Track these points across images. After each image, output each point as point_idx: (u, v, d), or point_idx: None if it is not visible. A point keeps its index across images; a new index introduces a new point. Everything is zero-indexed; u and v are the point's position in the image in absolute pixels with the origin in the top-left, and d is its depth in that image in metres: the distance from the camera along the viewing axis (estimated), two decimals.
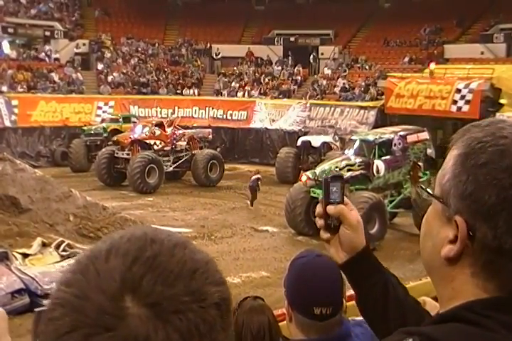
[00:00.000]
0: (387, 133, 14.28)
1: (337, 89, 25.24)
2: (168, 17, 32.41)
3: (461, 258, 0.84)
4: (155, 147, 18.62)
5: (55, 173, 17.49)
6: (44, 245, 8.91)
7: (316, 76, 27.42)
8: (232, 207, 15.85)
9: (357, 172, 13.03)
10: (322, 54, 29.05)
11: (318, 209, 1.30)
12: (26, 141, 22.10)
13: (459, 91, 19.08)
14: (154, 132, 18.82)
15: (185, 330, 0.60)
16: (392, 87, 21.14)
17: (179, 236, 0.66)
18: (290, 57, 28.96)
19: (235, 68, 28.81)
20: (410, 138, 13.99)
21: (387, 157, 13.52)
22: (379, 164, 13.28)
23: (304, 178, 13.06)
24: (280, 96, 25.66)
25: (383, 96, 22.07)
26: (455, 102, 19.12)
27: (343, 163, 13.15)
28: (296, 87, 26.80)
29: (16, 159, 12.23)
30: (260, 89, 26.64)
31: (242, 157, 23.39)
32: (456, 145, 0.87)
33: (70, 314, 0.60)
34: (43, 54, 27.43)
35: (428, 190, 0.93)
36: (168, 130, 19.18)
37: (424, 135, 14.47)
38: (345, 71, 26.88)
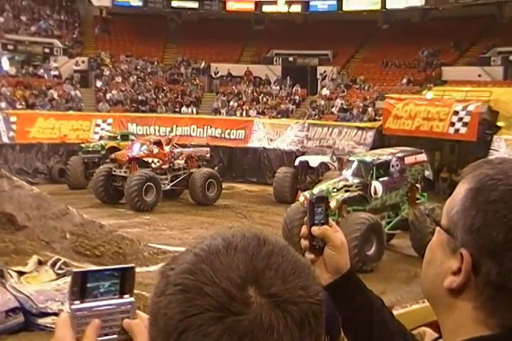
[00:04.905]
0: (385, 154, 14.30)
1: (335, 110, 25.39)
2: (168, 36, 32.71)
3: (463, 290, 0.84)
4: (153, 165, 18.57)
5: (52, 190, 17.39)
6: (40, 263, 8.81)
7: (314, 96, 27.61)
8: (230, 226, 15.76)
9: (354, 193, 12.99)
10: (321, 74, 29.29)
11: (303, 230, 1.31)
12: (24, 157, 22.05)
13: (456, 113, 19.19)
14: (152, 150, 18.79)
15: (300, 321, 0.67)
16: (390, 108, 21.26)
17: (283, 240, 0.74)
18: (288, 77, 29.18)
19: (234, 87, 28.99)
20: (408, 160, 13.99)
21: (385, 178, 13.50)
22: (377, 185, 13.25)
23: (301, 198, 13.04)
24: (278, 116, 25.79)
25: (381, 117, 22.19)
26: (453, 124, 19.22)
27: (341, 184, 13.14)
28: (294, 106, 26.95)
29: (13, 176, 12.16)
30: (258, 109, 26.77)
31: (239, 176, 23.37)
32: (467, 180, 0.88)
33: (198, 298, 0.66)
34: (42, 71, 27.57)
35: (432, 217, 0.93)
36: (166, 148, 19.16)
37: (422, 157, 14.48)
38: (343, 91, 27.08)
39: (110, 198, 18.08)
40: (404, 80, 26.71)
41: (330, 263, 1.29)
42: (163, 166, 18.86)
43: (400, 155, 14.03)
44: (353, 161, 14.15)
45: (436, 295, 0.88)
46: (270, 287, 0.67)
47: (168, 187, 18.83)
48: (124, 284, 0.87)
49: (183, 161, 19.31)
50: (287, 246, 0.73)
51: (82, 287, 0.84)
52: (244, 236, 0.72)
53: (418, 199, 14.03)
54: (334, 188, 12.92)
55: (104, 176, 18.00)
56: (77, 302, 0.84)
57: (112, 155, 18.79)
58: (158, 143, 19.11)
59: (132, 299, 0.87)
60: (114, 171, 18.16)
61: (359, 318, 1.28)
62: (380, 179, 13.44)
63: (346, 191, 12.91)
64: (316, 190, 12.95)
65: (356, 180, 13.29)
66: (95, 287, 0.85)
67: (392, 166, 13.57)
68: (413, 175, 14.01)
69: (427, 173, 14.52)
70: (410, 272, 11.50)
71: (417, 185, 14.14)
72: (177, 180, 19.08)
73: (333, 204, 12.23)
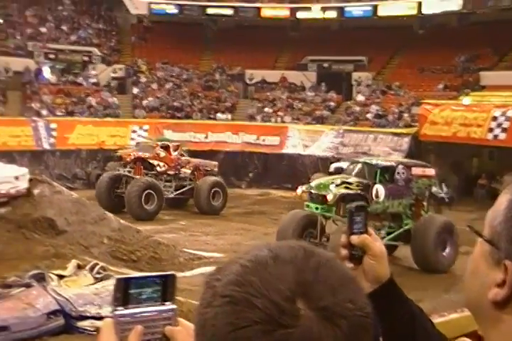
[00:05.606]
0: (392, 161, 13.90)
1: (370, 116, 25.21)
2: (203, 43, 33.00)
3: (509, 303, 0.82)
4: (158, 168, 18.07)
5: (90, 196, 17.64)
6: (79, 267, 8.99)
7: (349, 102, 27.48)
8: (265, 232, 15.77)
9: (355, 192, 12.31)
10: (355, 80, 29.16)
11: (343, 239, 1.30)
12: (63, 163, 22.53)
13: (495, 118, 18.83)
14: (159, 153, 18.33)
15: (349, 335, 0.66)
16: (426, 113, 21.02)
17: (328, 252, 0.73)
18: (323, 83, 29.12)
19: (269, 93, 29.06)
20: (415, 171, 13.17)
21: (389, 184, 12.76)
22: (379, 188, 12.38)
23: (299, 191, 12.70)
24: (313, 122, 25.73)
25: (417, 123, 21.95)
26: (491, 130, 18.86)
27: (341, 180, 12.57)
28: (329, 113, 26.86)
29: (53, 181, 12.44)
30: (293, 115, 26.77)
31: (274, 182, 23.37)
32: (509, 190, 0.87)
33: (247, 310, 0.65)
34: (81, 78, 28.17)
35: (473, 228, 0.92)
36: (174, 154, 18.61)
37: (431, 171, 13.59)
38: (378, 97, 26.88)
39: (113, 206, 17.15)
40: (441, 86, 26.35)
41: (370, 273, 1.28)
42: (169, 172, 18.31)
43: (407, 164, 13.43)
44: (358, 163, 13.66)
45: (480, 307, 0.86)
46: (319, 300, 0.66)
47: (172, 195, 18.31)
48: (165, 291, 0.87)
49: (189, 171, 18.70)
50: (334, 258, 0.73)
51: (125, 293, 0.85)
52: (291, 247, 0.71)
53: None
54: (333, 183, 12.40)
55: (106, 183, 17.52)
56: (121, 308, 0.85)
57: (118, 153, 18.42)
58: (166, 148, 18.66)
59: (174, 306, 0.87)
60: (118, 170, 17.84)
61: (401, 328, 1.26)
62: (384, 184, 12.68)
63: (346, 188, 12.33)
64: (313, 184, 12.59)
65: (358, 180, 12.68)
66: (138, 293, 0.85)
67: (398, 173, 12.85)
68: (419, 188, 13.11)
69: (434, 189, 13.58)
70: (447, 280, 11.31)
71: (424, 203, 13.28)
72: (182, 190, 18.53)
73: (329, 197, 11.86)
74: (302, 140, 23.81)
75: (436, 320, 3.05)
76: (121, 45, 32.17)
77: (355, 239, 1.28)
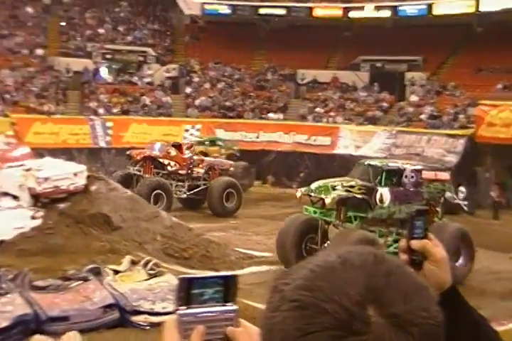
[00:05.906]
0: (399, 163, 12.95)
1: (424, 117, 24.75)
2: (256, 42, 33.13)
3: None
4: (169, 168, 17.35)
5: None
6: (133, 263, 9.17)
7: (402, 103, 27.05)
8: None
9: (356, 196, 11.52)
10: (409, 80, 28.66)
11: (402, 243, 1.29)
12: (118, 161, 23.06)
13: None
14: (170, 152, 17.54)
15: None
16: (483, 114, 20.48)
17: (398, 258, 0.73)
18: (376, 83, 28.76)
19: (320, 94, 28.92)
20: (426, 175, 12.13)
21: (396, 188, 11.81)
22: (384, 192, 11.59)
23: (298, 194, 12.17)
24: (365, 123, 25.45)
25: (473, 125, 21.41)
26: None
27: (343, 183, 11.86)
28: (381, 113, 26.52)
29: (109, 178, 12.73)
30: (345, 115, 26.56)
31: None
32: None
33: (316, 316, 0.63)
34: (136, 78, 28.78)
35: None
36: (186, 153, 18.02)
37: (445, 175, 12.69)
38: (433, 98, 26.35)
39: None
40: (500, 86, 25.60)
41: (431, 278, 1.26)
42: (181, 171, 17.53)
43: (416, 167, 12.55)
44: (362, 164, 12.77)
45: None
46: (391, 306, 0.64)
47: (185, 195, 17.62)
48: (227, 292, 0.86)
49: (203, 170, 17.89)
50: (404, 265, 0.71)
51: (187, 293, 0.85)
52: (361, 252, 0.70)
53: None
54: (333, 186, 11.68)
55: (117, 182, 16.93)
56: (183, 307, 0.85)
57: (128, 152, 18.09)
58: (178, 147, 18.09)
59: (236, 307, 0.86)
60: (129, 168, 17.50)
61: (465, 337, 1.23)
62: (390, 187, 11.84)
63: (347, 191, 11.61)
64: (313, 186, 11.94)
65: (361, 183, 11.88)
66: (200, 293, 0.85)
67: (406, 176, 11.96)
68: (430, 193, 12.19)
69: (448, 195, 12.65)
70: (506, 287, 10.98)
71: (438, 209, 12.26)
72: (196, 190, 17.77)
73: (327, 201, 11.25)
74: (354, 140, 23.60)
75: (497, 328, 2.97)
76: (175, 45, 32.67)
77: (415, 244, 1.27)
